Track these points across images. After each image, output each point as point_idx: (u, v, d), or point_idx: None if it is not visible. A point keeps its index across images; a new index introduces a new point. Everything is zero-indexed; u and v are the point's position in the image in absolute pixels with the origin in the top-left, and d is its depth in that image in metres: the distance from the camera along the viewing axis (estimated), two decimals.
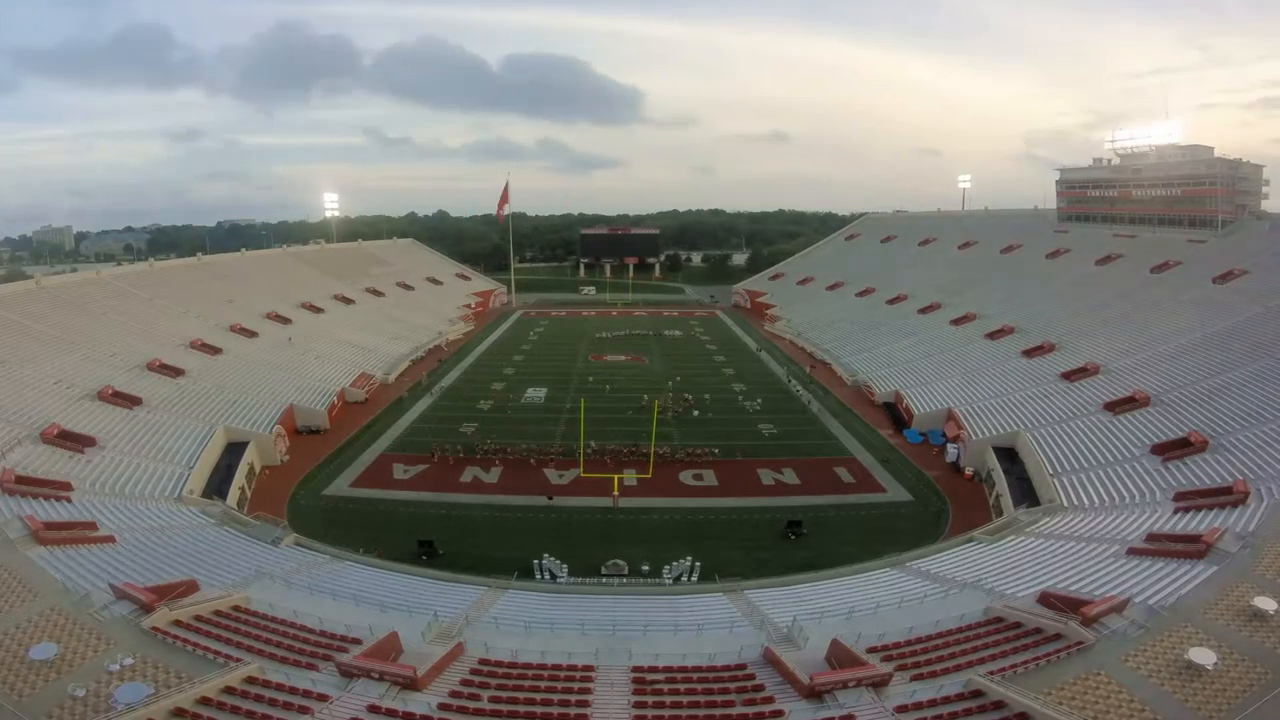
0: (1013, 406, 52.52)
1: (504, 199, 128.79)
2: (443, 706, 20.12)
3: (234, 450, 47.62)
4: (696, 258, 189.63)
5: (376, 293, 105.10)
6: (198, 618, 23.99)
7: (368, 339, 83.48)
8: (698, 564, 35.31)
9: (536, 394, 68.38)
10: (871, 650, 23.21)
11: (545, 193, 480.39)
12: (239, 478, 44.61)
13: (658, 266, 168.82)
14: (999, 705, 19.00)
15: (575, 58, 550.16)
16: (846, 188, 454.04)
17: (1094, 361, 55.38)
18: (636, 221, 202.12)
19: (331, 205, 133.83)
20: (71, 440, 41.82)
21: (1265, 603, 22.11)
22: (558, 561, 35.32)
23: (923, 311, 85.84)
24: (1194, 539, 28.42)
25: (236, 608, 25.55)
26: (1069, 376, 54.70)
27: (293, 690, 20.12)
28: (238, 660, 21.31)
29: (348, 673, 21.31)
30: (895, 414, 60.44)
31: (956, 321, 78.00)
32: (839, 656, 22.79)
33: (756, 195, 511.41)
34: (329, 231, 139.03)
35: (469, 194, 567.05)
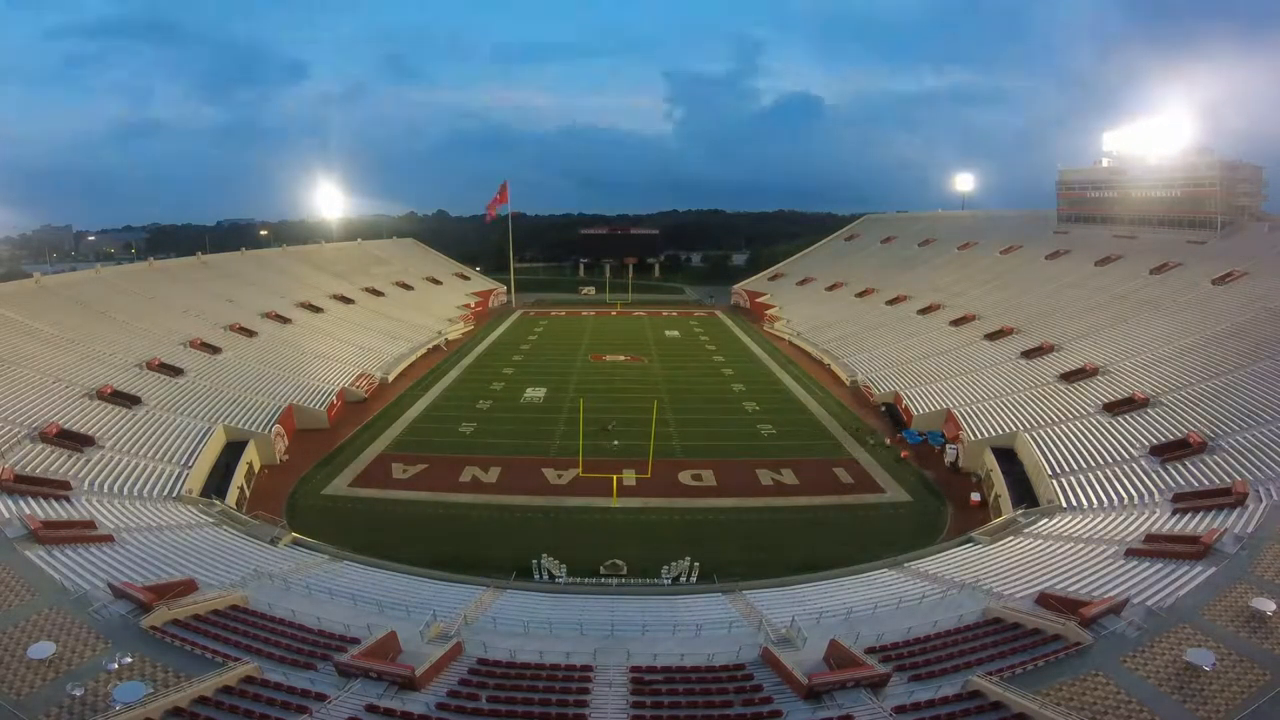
0: (1011, 407, 52.49)
1: (501, 198, 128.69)
2: (441, 706, 20.13)
3: (233, 450, 47.55)
4: (696, 258, 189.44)
5: (376, 292, 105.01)
6: (196, 617, 24.01)
7: (367, 339, 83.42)
8: (696, 564, 35.28)
9: (536, 394, 68.41)
10: (870, 651, 23.25)
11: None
12: (238, 477, 44.53)
13: (657, 267, 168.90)
14: (997, 706, 19.02)
15: None
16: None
17: (1093, 362, 55.35)
18: (636, 221, 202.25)
19: (331, 205, 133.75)
20: (70, 439, 41.75)
21: (1263, 604, 22.16)
22: (556, 561, 35.28)
23: (922, 312, 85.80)
24: (1192, 540, 28.47)
25: (234, 607, 25.56)
26: (1068, 377, 54.67)
27: (291, 690, 20.14)
28: (235, 660, 21.33)
29: (346, 672, 21.34)
30: (894, 414, 60.46)
31: (956, 322, 77.92)
32: (837, 657, 22.81)
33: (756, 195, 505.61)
34: (329, 231, 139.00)
35: (468, 193, 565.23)
